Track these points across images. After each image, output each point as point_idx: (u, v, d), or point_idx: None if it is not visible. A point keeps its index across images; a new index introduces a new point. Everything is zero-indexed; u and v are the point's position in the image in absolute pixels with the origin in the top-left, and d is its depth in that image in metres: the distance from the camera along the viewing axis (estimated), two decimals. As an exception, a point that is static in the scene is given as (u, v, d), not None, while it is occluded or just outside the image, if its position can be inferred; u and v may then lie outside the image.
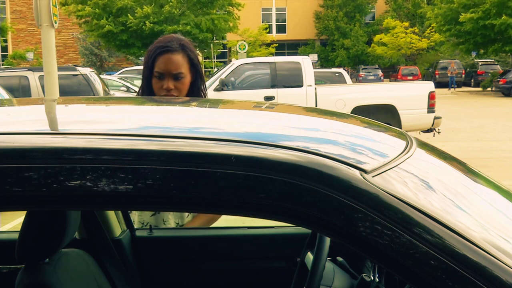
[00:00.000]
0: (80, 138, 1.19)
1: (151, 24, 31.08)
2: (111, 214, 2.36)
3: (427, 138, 11.30)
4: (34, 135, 1.23)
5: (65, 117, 1.57)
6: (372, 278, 2.11)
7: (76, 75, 13.02)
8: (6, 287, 2.12)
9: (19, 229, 1.74)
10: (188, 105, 1.94)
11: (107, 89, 14.53)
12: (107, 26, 31.74)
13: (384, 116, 11.64)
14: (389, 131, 1.66)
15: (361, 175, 1.14)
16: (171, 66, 2.54)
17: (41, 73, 10.99)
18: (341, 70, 18.30)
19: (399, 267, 1.11)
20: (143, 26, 31.24)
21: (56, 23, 8.66)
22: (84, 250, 2.01)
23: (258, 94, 12.02)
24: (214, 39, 36.27)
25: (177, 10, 31.56)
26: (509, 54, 39.36)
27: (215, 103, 2.13)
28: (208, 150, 1.15)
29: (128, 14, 31.70)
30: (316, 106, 12.00)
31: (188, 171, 1.12)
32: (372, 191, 1.12)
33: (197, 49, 34.05)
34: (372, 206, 1.10)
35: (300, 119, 1.72)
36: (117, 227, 2.40)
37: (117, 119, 1.50)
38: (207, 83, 12.51)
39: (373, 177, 1.15)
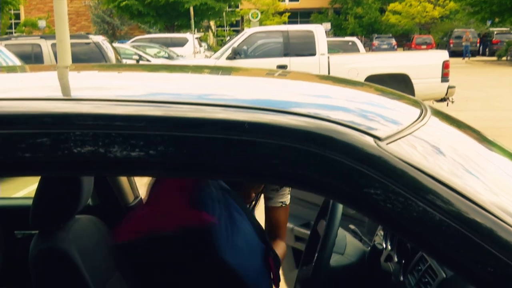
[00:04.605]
0: (92, 104, 1.19)
1: None
2: (124, 181, 2.37)
3: (440, 107, 11.20)
4: (47, 100, 1.23)
5: (77, 84, 1.56)
6: (384, 246, 2.11)
7: (89, 43, 13.00)
8: (21, 252, 2.15)
9: (33, 196, 1.76)
10: (201, 73, 1.93)
11: (119, 57, 14.50)
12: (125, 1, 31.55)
13: (397, 85, 11.53)
14: (403, 99, 1.64)
15: (375, 142, 1.13)
16: None
17: (54, 41, 10.98)
18: (354, 38, 18.12)
19: (412, 234, 1.11)
20: None
21: (68, -9, 8.62)
22: (97, 217, 2.02)
23: (271, 63, 11.95)
24: (227, 7, 35.96)
25: None
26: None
27: (227, 71, 2.12)
28: (220, 116, 1.14)
29: None
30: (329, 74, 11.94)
31: (200, 138, 1.12)
32: (386, 158, 1.11)
33: (211, 18, 33.94)
34: (386, 173, 1.09)
35: (313, 86, 1.71)
36: (130, 194, 2.41)
37: (129, 85, 1.50)
38: (220, 51, 12.50)
39: (387, 144, 1.14)
